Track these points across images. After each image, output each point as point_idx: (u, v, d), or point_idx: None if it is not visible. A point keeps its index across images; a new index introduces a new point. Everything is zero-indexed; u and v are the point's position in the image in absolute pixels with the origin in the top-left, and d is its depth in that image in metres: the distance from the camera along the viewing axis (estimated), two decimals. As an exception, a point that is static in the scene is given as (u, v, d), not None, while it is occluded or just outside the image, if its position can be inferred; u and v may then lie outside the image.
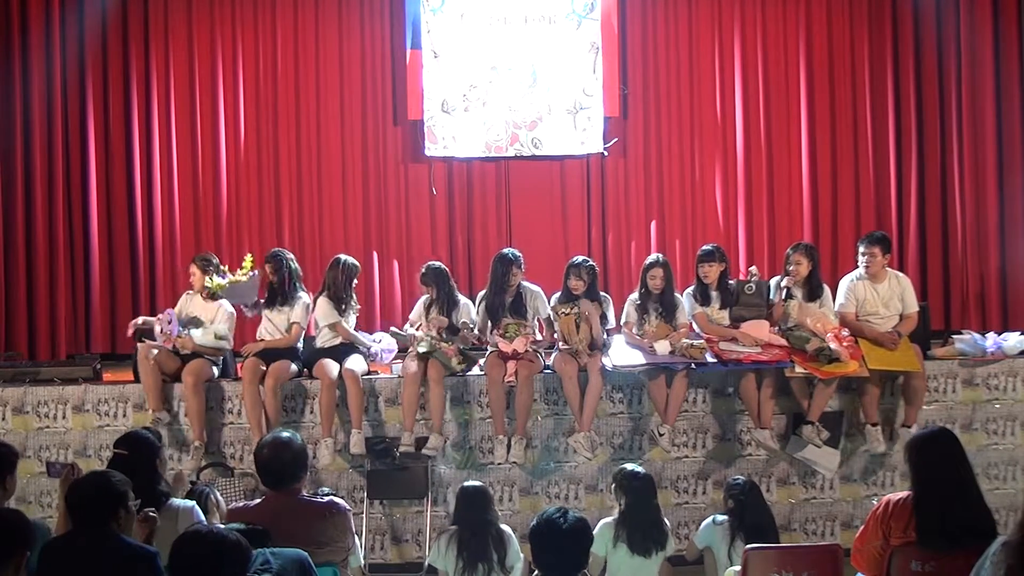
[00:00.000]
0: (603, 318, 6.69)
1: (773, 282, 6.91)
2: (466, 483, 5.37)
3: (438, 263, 7.12)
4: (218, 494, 5.42)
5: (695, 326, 6.74)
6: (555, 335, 6.77)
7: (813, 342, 6.41)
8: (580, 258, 6.81)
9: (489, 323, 6.73)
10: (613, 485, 5.27)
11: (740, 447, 6.81)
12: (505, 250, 6.92)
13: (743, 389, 6.61)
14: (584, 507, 6.55)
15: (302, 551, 3.61)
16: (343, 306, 6.79)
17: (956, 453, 3.87)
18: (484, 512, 5.09)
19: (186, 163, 8.69)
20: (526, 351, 6.50)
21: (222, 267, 7.07)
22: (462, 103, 8.67)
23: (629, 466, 5.30)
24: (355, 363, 6.65)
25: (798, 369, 6.43)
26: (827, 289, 6.84)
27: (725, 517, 5.32)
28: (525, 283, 6.83)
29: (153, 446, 4.46)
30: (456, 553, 4.97)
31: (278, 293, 6.87)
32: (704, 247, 6.96)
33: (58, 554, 3.52)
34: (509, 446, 6.52)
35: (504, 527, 5.15)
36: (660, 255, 6.98)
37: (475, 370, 6.92)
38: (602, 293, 6.90)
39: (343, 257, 6.94)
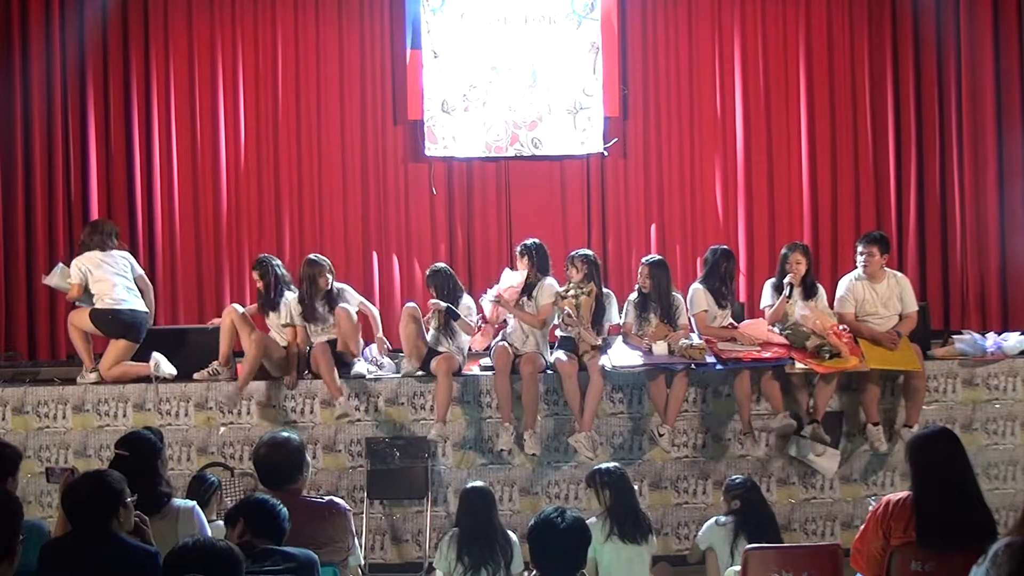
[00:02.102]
0: (601, 311, 6.70)
1: (769, 283, 6.93)
2: (470, 484, 5.35)
3: (440, 264, 7.17)
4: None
5: (694, 327, 6.75)
6: (556, 321, 6.77)
7: (813, 339, 6.42)
8: (580, 251, 6.94)
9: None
10: (589, 488, 5.38)
11: (740, 447, 6.81)
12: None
13: (737, 386, 6.59)
14: (584, 507, 6.53)
15: (312, 553, 3.61)
16: (307, 309, 6.83)
17: (958, 453, 3.86)
18: (488, 515, 5.09)
19: (186, 164, 8.69)
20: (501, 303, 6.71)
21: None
22: (462, 103, 8.67)
23: (602, 465, 5.41)
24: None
25: (798, 365, 6.42)
26: (821, 289, 6.87)
27: (727, 518, 5.32)
28: (551, 279, 6.85)
29: (154, 447, 4.45)
30: (457, 555, 4.96)
31: (266, 299, 7.02)
32: (723, 247, 7.00)
33: (57, 554, 3.51)
34: (521, 438, 6.55)
35: (509, 533, 5.13)
36: (655, 256, 7.01)
37: (474, 369, 6.94)
38: (605, 290, 6.90)
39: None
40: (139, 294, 7.10)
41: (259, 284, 7.08)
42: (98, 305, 6.93)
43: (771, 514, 5.51)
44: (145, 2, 8.61)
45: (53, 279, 7.18)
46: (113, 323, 6.93)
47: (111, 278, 6.98)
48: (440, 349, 6.76)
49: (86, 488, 3.59)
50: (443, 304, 6.72)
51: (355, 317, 6.85)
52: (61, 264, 7.28)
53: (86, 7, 8.45)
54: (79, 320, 7.05)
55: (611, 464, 5.43)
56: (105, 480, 3.62)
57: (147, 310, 7.13)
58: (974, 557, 2.91)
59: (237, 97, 8.72)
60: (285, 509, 3.68)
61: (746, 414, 6.60)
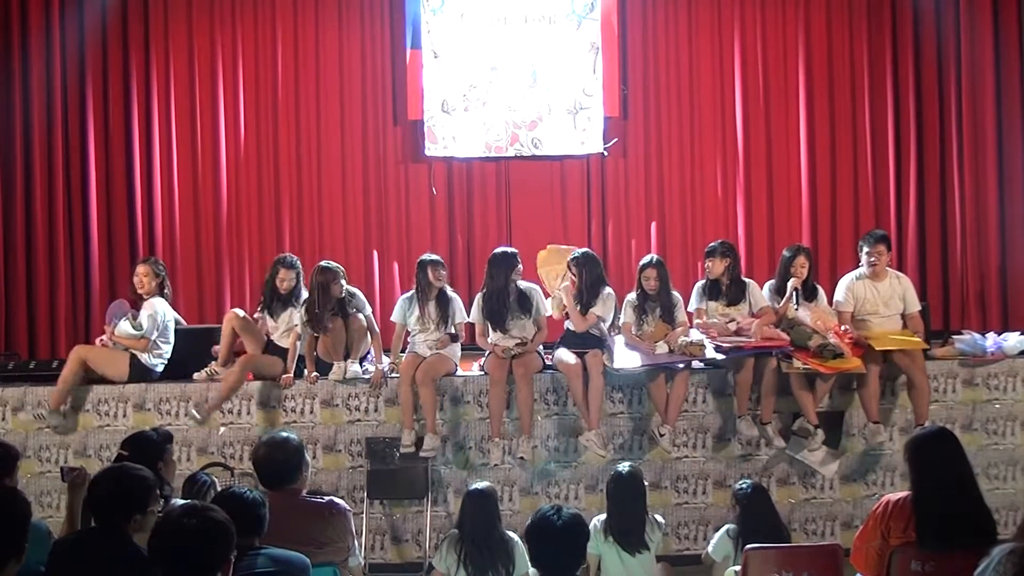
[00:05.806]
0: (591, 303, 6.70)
1: (768, 286, 6.92)
2: (474, 486, 5.26)
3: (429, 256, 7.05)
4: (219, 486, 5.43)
5: (695, 321, 6.74)
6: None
7: (815, 339, 6.41)
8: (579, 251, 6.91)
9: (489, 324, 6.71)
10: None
11: (740, 447, 6.80)
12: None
13: (740, 377, 6.54)
14: (584, 507, 6.54)
15: (304, 556, 3.59)
16: (314, 317, 6.75)
17: (956, 453, 3.86)
18: (491, 521, 5.04)
19: (186, 163, 8.70)
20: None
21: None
22: (462, 103, 8.68)
23: (621, 466, 5.38)
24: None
25: (796, 363, 6.40)
26: (821, 291, 6.87)
27: (735, 527, 5.28)
28: (522, 282, 6.76)
29: (157, 448, 4.45)
30: (457, 559, 4.94)
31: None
32: (707, 248, 6.97)
33: (67, 552, 3.50)
34: (508, 448, 6.51)
35: (512, 535, 5.10)
36: (654, 256, 6.98)
37: (474, 369, 6.93)
38: (607, 289, 6.73)
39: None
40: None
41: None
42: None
43: (776, 518, 5.46)
44: (145, 2, 8.63)
45: (120, 325, 6.92)
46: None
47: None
48: (428, 349, 6.69)
49: (113, 482, 3.55)
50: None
51: (370, 323, 6.87)
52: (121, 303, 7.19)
53: (86, 7, 8.47)
54: (110, 366, 6.87)
55: (625, 469, 5.33)
56: (132, 481, 3.55)
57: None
58: (974, 557, 2.89)
59: (237, 97, 8.73)
60: (257, 495, 3.62)
61: (744, 400, 6.59)
